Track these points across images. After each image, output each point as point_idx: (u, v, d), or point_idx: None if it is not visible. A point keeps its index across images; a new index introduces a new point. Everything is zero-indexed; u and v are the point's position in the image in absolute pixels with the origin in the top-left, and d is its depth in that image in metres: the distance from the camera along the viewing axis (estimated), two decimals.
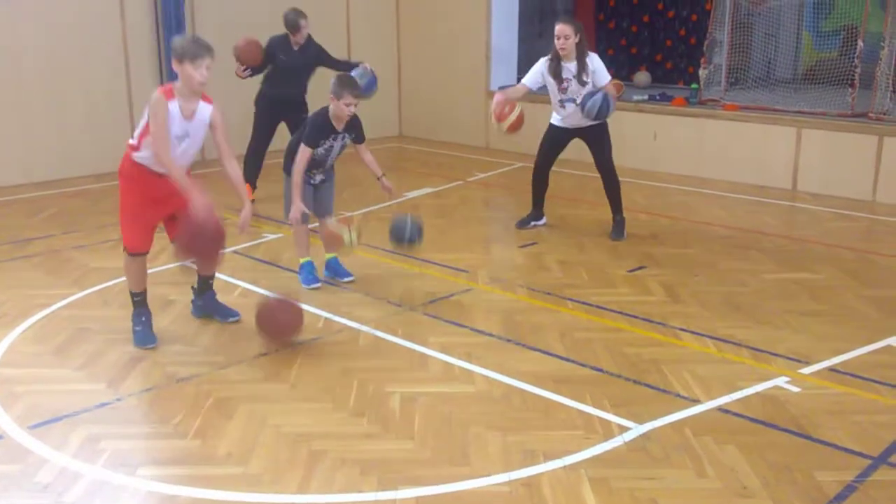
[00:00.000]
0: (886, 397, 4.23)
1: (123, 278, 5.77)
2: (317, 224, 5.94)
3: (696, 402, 4.15)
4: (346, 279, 5.88)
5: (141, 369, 4.55)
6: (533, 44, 12.46)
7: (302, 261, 5.85)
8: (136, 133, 4.59)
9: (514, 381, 4.37)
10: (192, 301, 5.26)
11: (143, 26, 9.58)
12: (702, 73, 10.08)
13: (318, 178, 5.71)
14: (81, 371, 4.53)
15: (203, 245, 4.56)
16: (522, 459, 3.64)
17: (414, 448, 3.75)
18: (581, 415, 4.03)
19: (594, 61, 6.71)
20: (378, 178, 5.78)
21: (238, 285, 5.80)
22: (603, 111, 6.57)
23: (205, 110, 4.61)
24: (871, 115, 8.63)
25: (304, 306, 5.42)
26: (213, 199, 4.97)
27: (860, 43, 8.95)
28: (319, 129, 5.52)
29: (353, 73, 6.85)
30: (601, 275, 6.10)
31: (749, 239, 7.06)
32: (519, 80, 11.42)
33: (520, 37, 11.77)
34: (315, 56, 7.80)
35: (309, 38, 7.82)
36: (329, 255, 5.96)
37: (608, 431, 3.87)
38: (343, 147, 5.68)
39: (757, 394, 4.24)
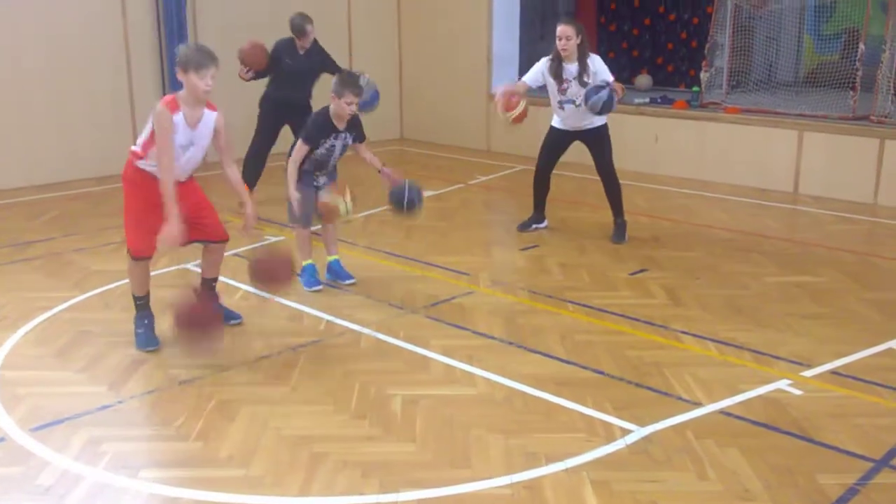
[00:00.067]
0: (888, 400, 4.22)
1: (125, 281, 5.78)
2: (319, 227, 5.94)
3: (698, 404, 4.15)
4: (347, 282, 5.88)
5: (143, 372, 4.55)
6: (534, 46, 12.46)
7: (304, 263, 5.85)
8: (140, 141, 4.59)
9: (516, 383, 4.37)
10: None
11: (144, 28, 9.59)
12: (703, 76, 10.08)
13: (322, 180, 5.71)
14: (83, 373, 4.53)
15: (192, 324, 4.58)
16: (524, 462, 3.63)
17: (415, 450, 3.75)
18: (583, 417, 4.03)
19: (595, 62, 6.70)
20: (379, 171, 5.74)
21: (240, 288, 5.80)
22: (606, 107, 6.56)
23: (210, 117, 4.64)
24: (872, 118, 8.63)
25: (307, 308, 5.44)
26: (215, 202, 5.00)
27: (861, 46, 8.95)
28: (320, 128, 5.53)
29: None
30: (602, 277, 6.10)
31: (751, 242, 7.06)
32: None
33: (521, 39, 11.78)
34: (320, 61, 7.81)
35: (315, 43, 7.83)
36: (331, 258, 5.96)
37: (610, 434, 3.87)
38: (345, 147, 5.68)
39: (759, 397, 4.24)
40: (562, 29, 6.65)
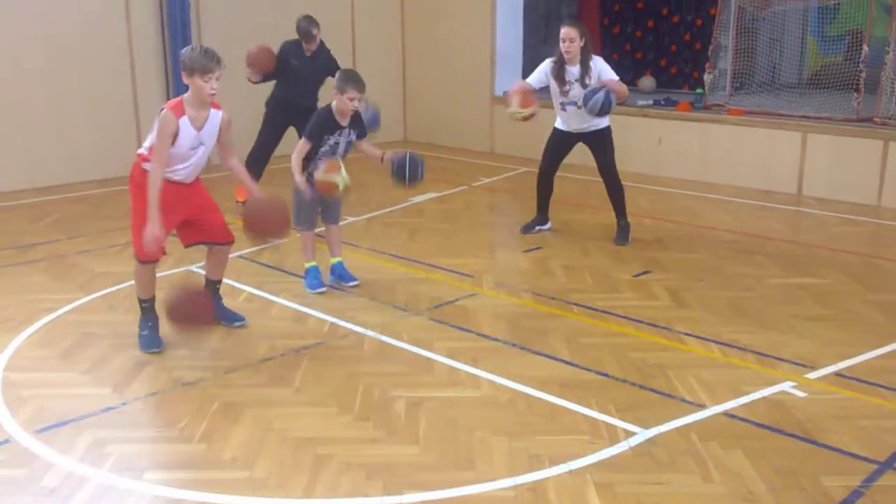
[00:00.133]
0: (892, 402, 4.22)
1: (129, 283, 5.80)
2: (323, 229, 5.94)
3: (702, 406, 4.15)
4: (351, 284, 5.89)
5: (147, 373, 4.56)
6: (538, 49, 12.46)
7: (307, 265, 5.85)
8: (147, 144, 4.63)
9: (520, 385, 4.37)
10: None
11: (148, 29, 9.60)
12: (707, 77, 10.09)
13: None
14: (87, 375, 4.54)
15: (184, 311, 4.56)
16: (528, 464, 3.63)
17: (419, 453, 3.75)
18: (586, 419, 4.03)
19: (597, 64, 6.70)
20: (382, 160, 5.72)
21: (243, 290, 5.81)
22: (605, 108, 6.56)
23: (215, 116, 4.68)
24: (876, 119, 8.63)
25: (310, 310, 5.44)
26: (218, 204, 5.01)
27: (865, 47, 8.95)
28: (322, 124, 5.53)
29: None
30: (606, 279, 6.10)
31: (754, 244, 7.06)
32: None
33: (524, 42, 11.78)
34: (325, 65, 7.81)
35: (322, 46, 7.85)
36: (334, 260, 5.96)
37: (613, 436, 3.87)
38: (349, 144, 5.66)
39: (762, 398, 4.23)
40: (565, 31, 6.66)
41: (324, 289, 5.80)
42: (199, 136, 4.60)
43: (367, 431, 3.94)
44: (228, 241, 5.04)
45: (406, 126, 12.40)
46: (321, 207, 5.79)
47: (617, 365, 4.63)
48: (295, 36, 7.80)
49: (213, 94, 4.53)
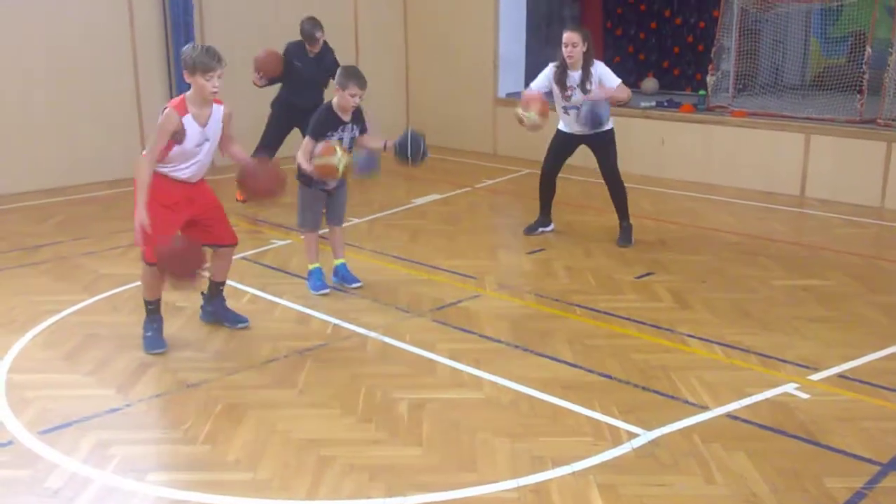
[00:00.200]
0: (895, 404, 4.22)
1: (133, 284, 5.83)
2: (326, 230, 5.95)
3: (705, 408, 4.15)
4: (354, 285, 5.89)
5: (150, 375, 4.57)
6: (540, 51, 12.46)
7: (311, 267, 5.86)
8: (151, 145, 4.65)
9: (523, 387, 4.38)
10: (202, 307, 5.28)
11: (151, 31, 9.62)
12: (709, 79, 10.08)
13: (332, 183, 5.71)
14: (91, 377, 4.55)
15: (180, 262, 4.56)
16: (530, 466, 3.64)
17: (422, 454, 3.76)
18: (589, 421, 4.03)
19: (598, 69, 6.69)
20: (385, 148, 5.69)
21: (247, 291, 5.82)
22: (597, 120, 6.57)
23: (218, 111, 4.71)
24: (879, 121, 8.62)
25: (313, 312, 5.45)
26: (224, 206, 5.02)
27: (868, 49, 8.94)
28: (324, 122, 5.51)
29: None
30: (609, 281, 6.10)
31: (757, 245, 7.06)
32: (527, 86, 11.50)
33: (527, 44, 11.78)
34: (329, 67, 7.83)
35: (326, 48, 7.86)
36: (337, 262, 5.97)
37: (616, 438, 3.87)
38: (352, 140, 5.64)
39: (766, 400, 4.23)
40: (568, 36, 6.66)
41: (327, 290, 5.81)
42: (204, 132, 4.64)
43: (370, 433, 3.95)
44: (232, 243, 5.05)
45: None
46: (325, 209, 5.80)
47: (620, 366, 4.63)
48: (299, 37, 7.82)
49: (215, 92, 4.57)
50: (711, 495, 3.43)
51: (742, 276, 6.22)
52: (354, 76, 5.47)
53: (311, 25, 7.75)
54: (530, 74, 11.58)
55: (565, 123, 6.99)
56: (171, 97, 9.35)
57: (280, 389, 4.40)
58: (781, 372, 4.57)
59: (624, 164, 7.09)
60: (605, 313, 5.45)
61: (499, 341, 5.01)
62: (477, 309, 5.54)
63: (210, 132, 4.68)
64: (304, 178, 5.65)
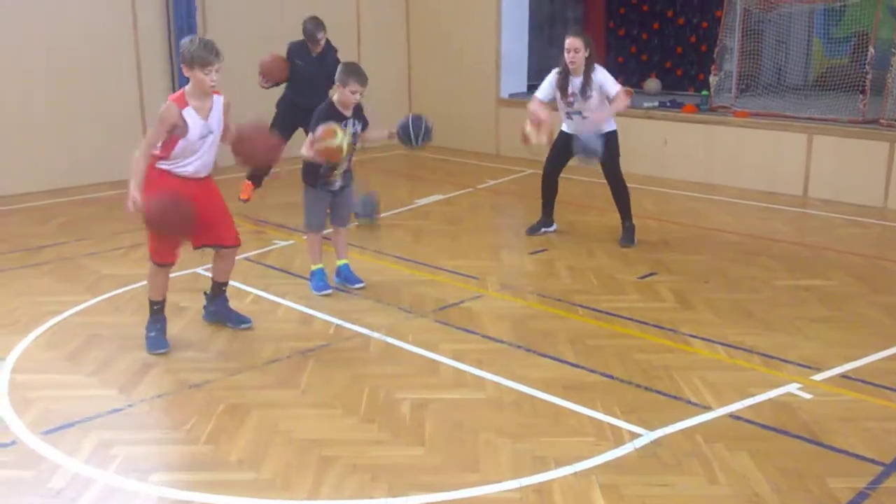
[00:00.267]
0: None
1: (135, 285, 5.84)
2: (330, 230, 5.95)
3: (708, 408, 4.15)
4: (356, 286, 5.89)
5: (153, 375, 4.57)
6: (543, 51, 12.48)
7: (314, 267, 5.86)
8: (159, 143, 4.65)
9: (525, 387, 4.37)
10: (205, 307, 5.29)
11: (154, 33, 9.63)
12: (712, 79, 10.08)
13: (338, 183, 5.71)
14: (94, 377, 4.55)
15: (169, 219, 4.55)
16: (533, 466, 3.64)
17: (424, 454, 3.75)
18: (592, 421, 4.03)
19: (598, 75, 6.68)
20: (389, 136, 5.77)
21: (250, 292, 5.82)
22: (591, 154, 6.57)
23: (218, 102, 4.73)
24: (882, 121, 8.61)
25: (316, 312, 5.45)
26: (232, 210, 5.02)
27: (871, 49, 8.94)
28: (326, 117, 5.48)
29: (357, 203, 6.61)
30: (611, 281, 6.10)
31: (760, 245, 7.05)
32: (529, 87, 11.53)
33: (530, 44, 11.79)
34: (330, 67, 7.83)
35: (329, 48, 7.86)
36: (340, 262, 5.97)
37: (619, 438, 3.87)
38: (355, 136, 5.63)
39: (768, 400, 4.23)
40: (570, 41, 6.65)
41: (329, 291, 5.81)
42: (206, 124, 4.65)
43: (372, 433, 3.95)
44: (235, 244, 5.05)
45: None
46: (329, 209, 5.80)
47: (622, 367, 4.63)
48: (302, 37, 7.83)
49: (214, 86, 4.60)
50: (714, 495, 3.43)
51: (744, 276, 6.22)
52: (355, 73, 5.48)
53: (314, 25, 7.75)
54: (532, 75, 11.64)
55: (568, 126, 7.00)
56: None
57: (282, 390, 4.40)
58: (784, 372, 4.57)
59: (627, 165, 7.08)
60: (608, 313, 5.45)
61: (501, 341, 5.01)
62: (479, 309, 5.54)
63: (213, 124, 4.69)
64: (310, 179, 5.66)
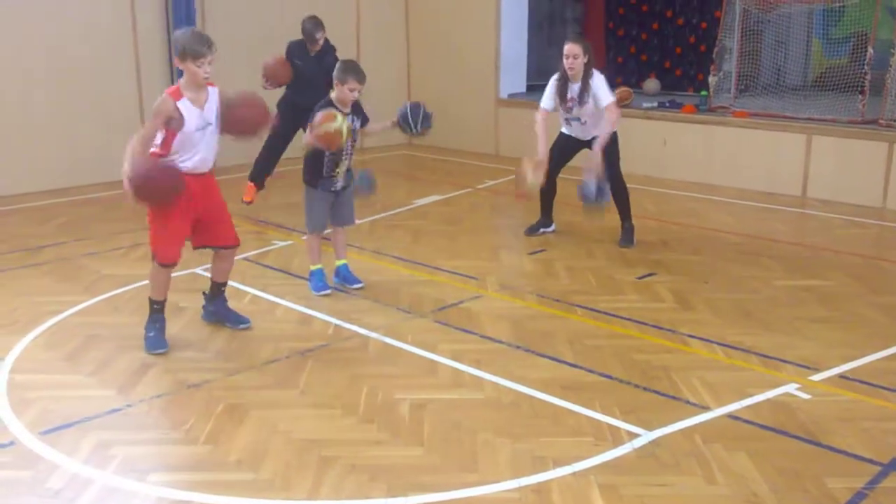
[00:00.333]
0: None
1: (134, 285, 5.84)
2: (330, 231, 5.95)
3: (706, 408, 4.15)
4: (355, 286, 5.90)
5: (152, 375, 4.57)
6: (542, 51, 12.48)
7: (313, 268, 5.86)
8: (158, 140, 4.66)
9: (524, 387, 4.38)
10: (203, 306, 5.29)
11: (154, 33, 9.63)
12: (711, 80, 10.09)
13: (339, 184, 5.71)
14: (92, 377, 4.55)
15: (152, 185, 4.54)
16: (531, 466, 3.64)
17: (423, 454, 3.76)
18: (590, 421, 4.03)
19: (596, 83, 6.68)
20: (391, 126, 5.79)
21: (248, 292, 5.82)
22: (598, 197, 6.58)
23: (213, 93, 4.74)
24: (881, 121, 8.62)
25: (315, 313, 5.45)
26: (231, 210, 5.03)
27: (870, 50, 8.94)
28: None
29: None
30: (610, 281, 6.10)
31: (759, 246, 7.05)
32: (528, 87, 11.54)
33: (529, 44, 11.79)
34: (329, 66, 7.84)
35: (327, 48, 7.87)
36: (339, 262, 5.98)
37: (617, 438, 3.87)
38: (355, 133, 5.63)
39: (767, 400, 4.23)
40: (569, 48, 6.65)
41: (328, 291, 5.81)
42: (203, 115, 4.65)
43: (371, 433, 3.95)
44: (234, 244, 5.06)
45: None
46: (330, 210, 5.79)
47: (621, 367, 4.63)
48: (301, 36, 7.84)
49: (207, 78, 4.60)
50: (712, 495, 3.43)
51: (743, 276, 6.22)
52: (353, 71, 5.48)
53: (313, 25, 7.76)
54: (532, 75, 11.65)
55: (567, 130, 7.02)
56: None
57: (281, 390, 4.40)
58: (782, 372, 4.57)
59: (626, 165, 7.09)
60: (607, 314, 5.45)
61: (500, 342, 5.01)
62: (478, 309, 5.54)
63: (209, 114, 4.69)
64: (311, 180, 5.66)
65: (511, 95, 11.42)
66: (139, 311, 5.21)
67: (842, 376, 4.52)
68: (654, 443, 3.82)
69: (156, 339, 4.86)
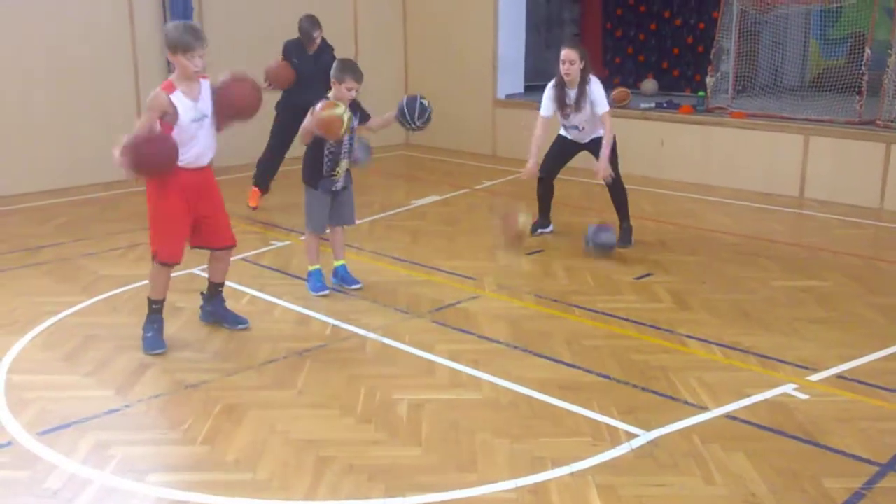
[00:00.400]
0: (894, 404, 4.22)
1: (133, 285, 5.84)
2: (328, 231, 5.94)
3: (704, 409, 4.15)
4: (353, 286, 5.90)
5: (150, 376, 4.57)
6: (540, 52, 12.49)
7: (311, 268, 5.86)
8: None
9: (522, 387, 4.38)
10: (201, 307, 5.29)
11: (152, 32, 9.62)
12: (709, 80, 10.10)
13: (339, 183, 5.71)
14: (90, 378, 4.55)
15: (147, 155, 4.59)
16: (529, 466, 3.64)
17: (421, 455, 3.76)
18: (588, 422, 4.03)
19: (593, 90, 6.68)
20: (394, 119, 5.77)
21: (246, 292, 5.82)
22: (605, 247, 6.61)
23: (205, 85, 4.74)
24: (878, 122, 8.63)
25: (313, 313, 5.45)
26: (228, 209, 5.02)
27: (868, 50, 8.95)
28: None
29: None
30: (608, 282, 6.11)
31: (756, 246, 7.06)
32: (525, 88, 11.54)
33: (527, 45, 11.79)
34: (325, 65, 7.84)
35: (325, 46, 7.87)
36: (337, 263, 5.98)
37: (616, 438, 3.87)
38: (353, 130, 5.63)
39: (765, 401, 4.24)
40: (565, 53, 6.64)
41: (326, 291, 5.81)
42: (197, 106, 4.66)
43: (369, 433, 3.95)
44: (232, 244, 5.06)
45: None
46: (330, 210, 5.79)
47: (619, 367, 4.64)
48: (298, 35, 7.85)
49: (198, 71, 4.61)
50: (710, 496, 3.44)
51: (741, 276, 6.23)
52: (351, 70, 5.49)
53: (310, 24, 7.77)
54: (529, 76, 11.65)
55: (566, 133, 7.03)
56: None
57: (279, 390, 4.40)
58: (780, 372, 4.58)
59: (624, 166, 7.09)
60: (605, 314, 5.46)
61: (498, 342, 5.01)
62: (476, 310, 5.54)
63: (204, 106, 4.69)
64: (311, 181, 5.66)
65: (509, 96, 11.42)
66: (137, 311, 5.21)
67: (839, 376, 4.53)
68: (652, 443, 3.82)
69: (153, 339, 4.86)
